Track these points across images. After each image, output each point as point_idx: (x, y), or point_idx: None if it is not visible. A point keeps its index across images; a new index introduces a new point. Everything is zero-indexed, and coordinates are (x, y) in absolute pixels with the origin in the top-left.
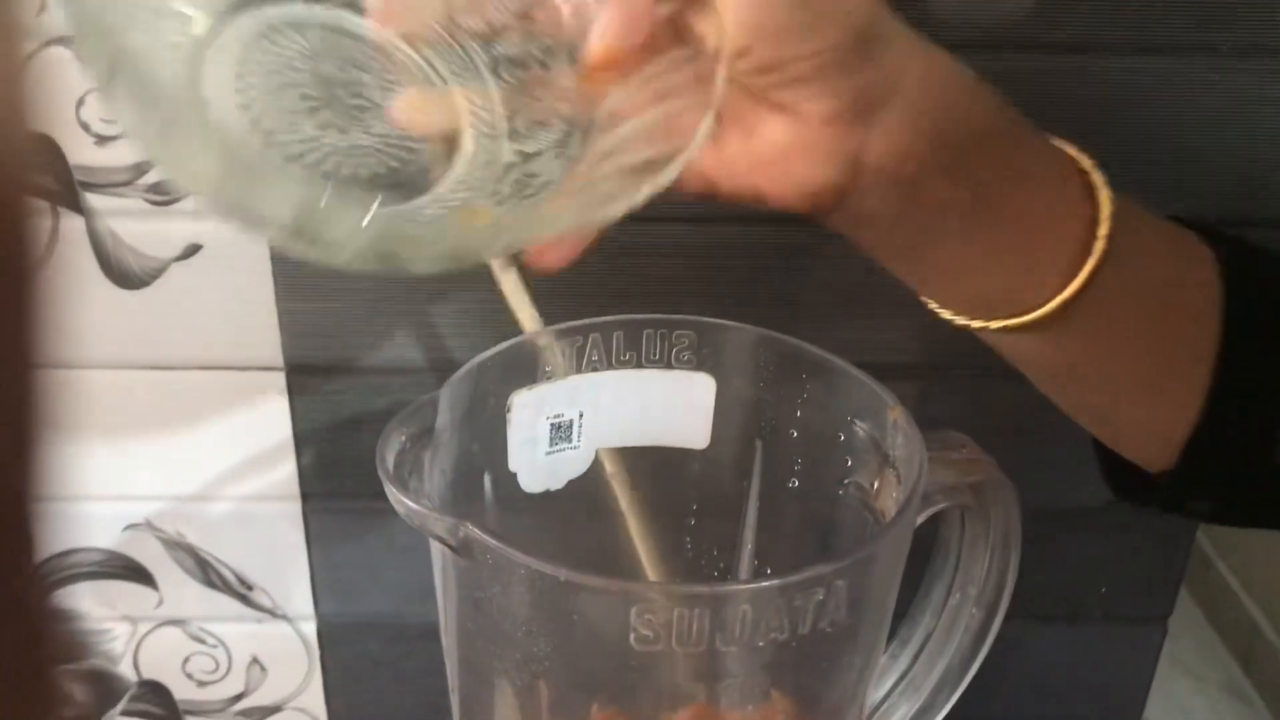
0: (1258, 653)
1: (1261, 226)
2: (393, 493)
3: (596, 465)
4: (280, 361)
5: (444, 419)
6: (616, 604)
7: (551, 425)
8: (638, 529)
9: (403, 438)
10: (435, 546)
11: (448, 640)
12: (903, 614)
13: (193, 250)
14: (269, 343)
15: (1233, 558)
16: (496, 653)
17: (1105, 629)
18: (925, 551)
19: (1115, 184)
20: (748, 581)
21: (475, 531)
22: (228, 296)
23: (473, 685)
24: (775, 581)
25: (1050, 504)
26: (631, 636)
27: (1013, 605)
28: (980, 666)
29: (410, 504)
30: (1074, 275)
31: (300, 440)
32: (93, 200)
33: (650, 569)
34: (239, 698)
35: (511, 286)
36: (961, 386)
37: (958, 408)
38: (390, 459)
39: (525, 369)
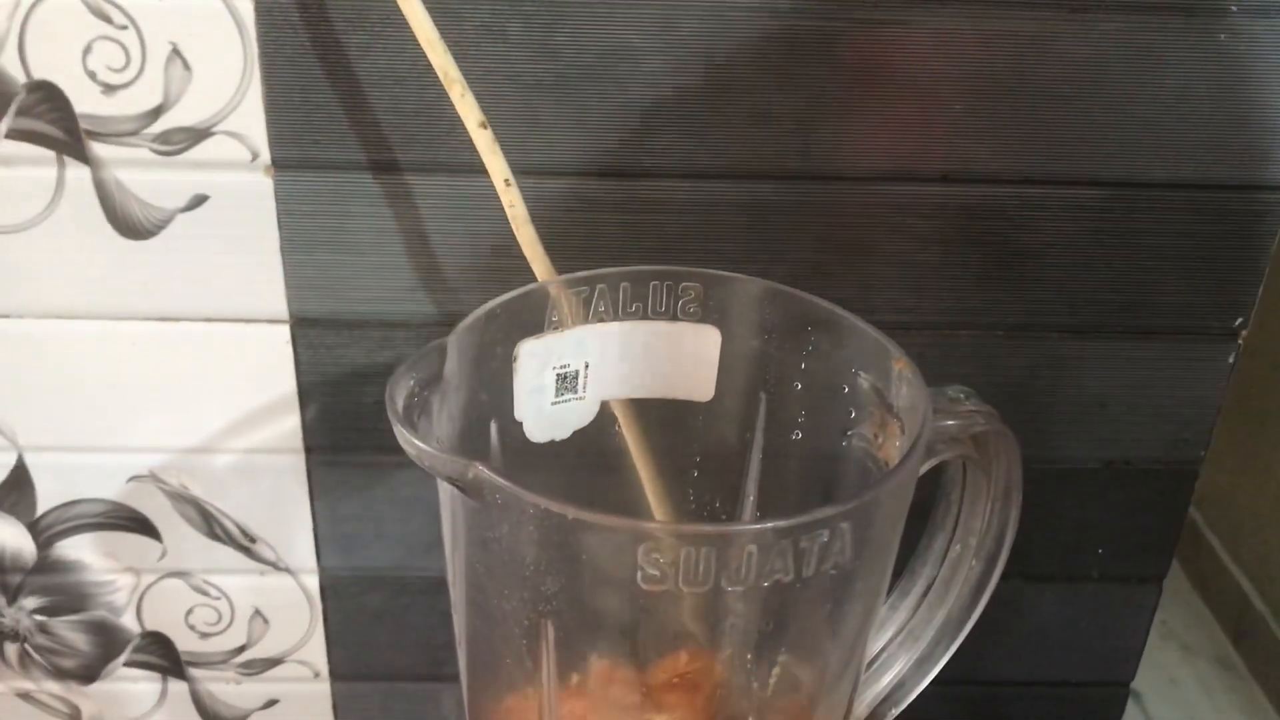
0: (1247, 624)
1: (1274, 191)
2: (402, 434)
3: (601, 416)
4: (285, 314)
5: (452, 366)
6: (624, 543)
7: (557, 375)
8: (649, 478)
9: (411, 381)
10: (444, 489)
11: (455, 590)
12: (902, 569)
13: (199, 201)
14: (274, 295)
15: (1223, 529)
16: (504, 593)
17: (1100, 589)
18: (925, 507)
19: (1119, 150)
20: (755, 523)
21: (485, 472)
22: (233, 248)
23: (480, 630)
24: (781, 522)
25: (1047, 463)
26: (638, 575)
27: (1008, 565)
28: (975, 626)
29: (420, 445)
30: None
31: (304, 393)
32: (99, 150)
33: (660, 516)
34: (241, 649)
35: (527, 238)
36: (962, 346)
37: (958, 366)
38: (400, 401)
39: (533, 318)
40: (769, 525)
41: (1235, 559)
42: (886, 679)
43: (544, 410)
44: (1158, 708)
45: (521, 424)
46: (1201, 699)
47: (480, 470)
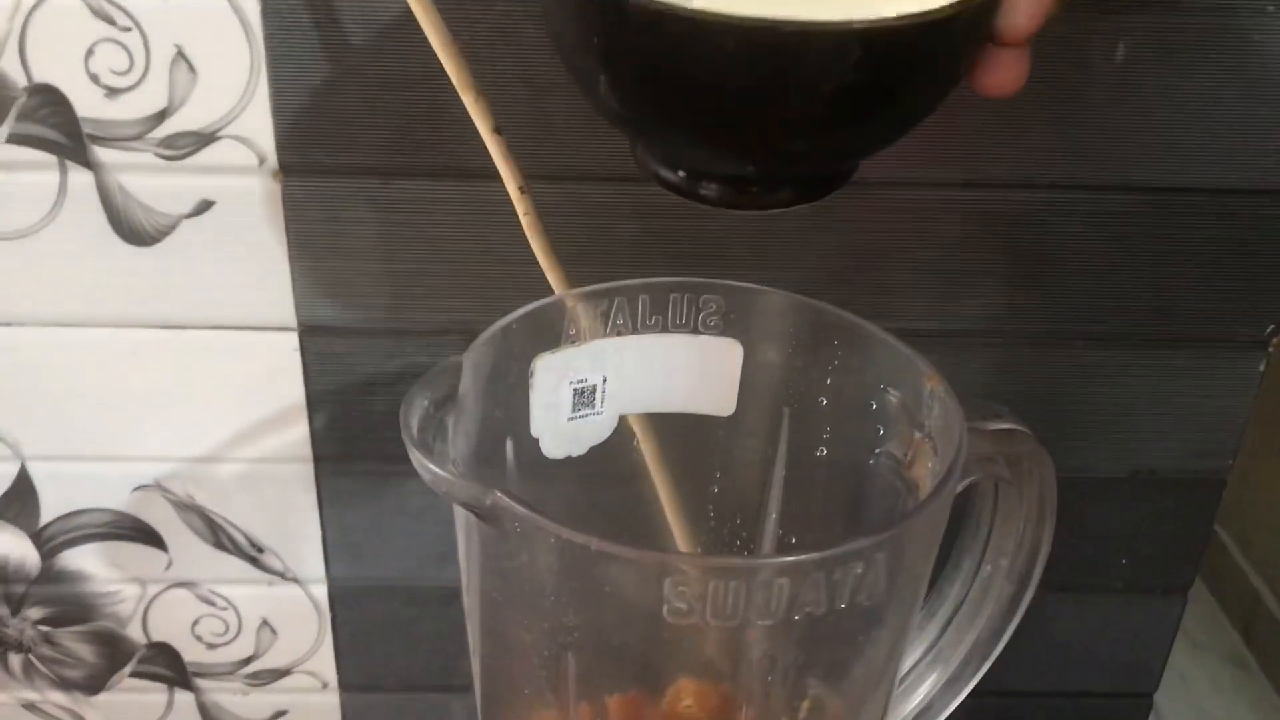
0: (1258, 622)
1: None
2: (417, 458)
3: (619, 431)
4: (293, 321)
5: (467, 383)
6: (650, 575)
7: (574, 390)
8: (668, 495)
9: (426, 402)
10: (460, 513)
11: (471, 620)
12: (932, 584)
13: (205, 207)
14: (282, 302)
15: (1235, 526)
16: (523, 622)
17: (1125, 600)
18: (956, 520)
19: (1147, 154)
20: (786, 554)
21: (504, 499)
22: (240, 255)
23: (496, 653)
24: (814, 555)
25: (1072, 474)
26: (664, 608)
27: None
28: None
29: (436, 470)
30: None
31: (313, 402)
32: (102, 155)
33: (679, 534)
34: (249, 660)
35: (541, 245)
36: (987, 354)
37: (982, 376)
38: (414, 423)
39: (549, 332)
40: (801, 558)
41: (1246, 555)
42: (915, 700)
43: (561, 426)
44: (1169, 705)
45: (538, 440)
46: (1212, 696)
47: (499, 498)
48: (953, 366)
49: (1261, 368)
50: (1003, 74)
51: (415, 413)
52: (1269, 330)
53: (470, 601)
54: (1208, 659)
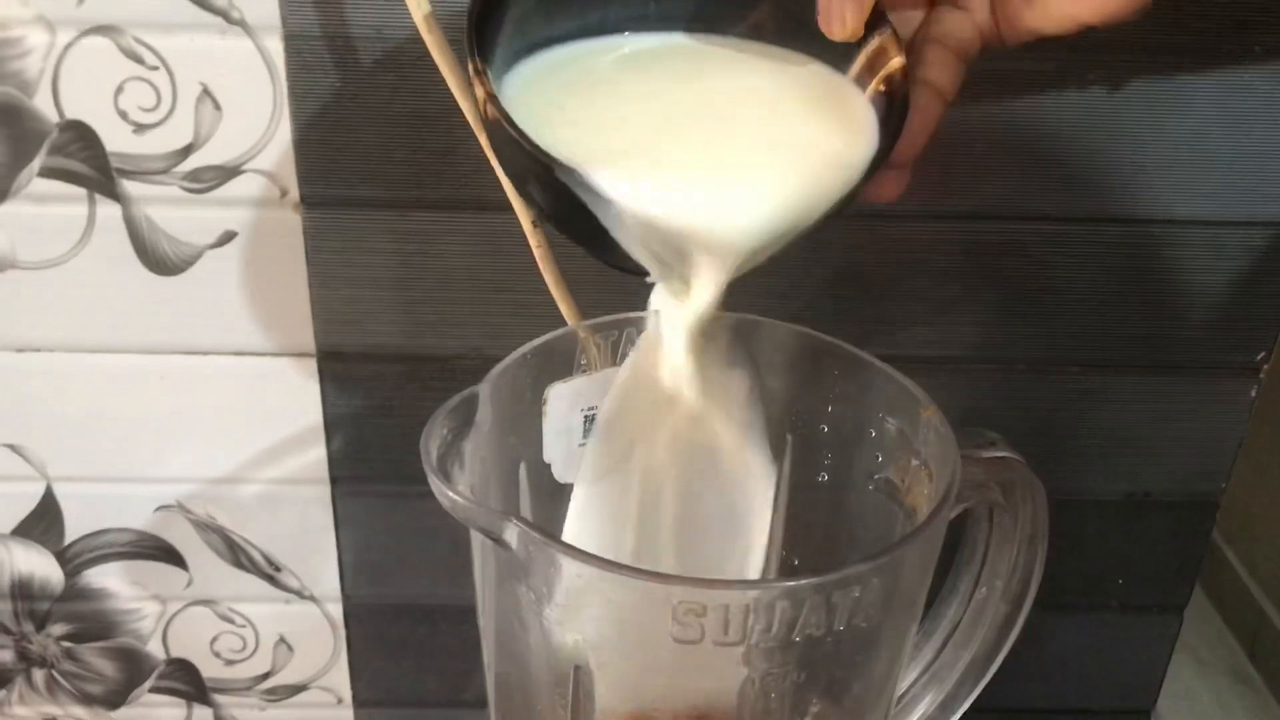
0: (1264, 639)
1: None
2: (437, 486)
3: None
4: (312, 347)
5: (484, 411)
6: (657, 599)
7: (586, 417)
8: None
9: (445, 431)
10: (476, 537)
11: (486, 639)
12: (928, 605)
13: (228, 238)
14: (301, 329)
15: (1240, 544)
16: (536, 642)
17: (1121, 619)
18: (952, 544)
19: (1141, 187)
20: (787, 579)
21: (521, 526)
22: (261, 283)
23: (512, 676)
24: (812, 579)
25: (1068, 495)
26: (671, 630)
27: None
28: None
29: (455, 497)
30: None
31: (330, 425)
32: (130, 187)
33: None
34: (266, 676)
35: (554, 277)
36: (983, 379)
37: (982, 401)
38: (434, 452)
39: (562, 362)
40: (800, 582)
41: (1252, 573)
42: (913, 718)
43: (573, 451)
44: None
45: (550, 465)
46: (1217, 712)
47: (516, 524)
48: (953, 391)
49: (1253, 393)
50: (887, 188)
51: (435, 441)
52: (1260, 356)
53: (485, 622)
54: (1213, 676)
